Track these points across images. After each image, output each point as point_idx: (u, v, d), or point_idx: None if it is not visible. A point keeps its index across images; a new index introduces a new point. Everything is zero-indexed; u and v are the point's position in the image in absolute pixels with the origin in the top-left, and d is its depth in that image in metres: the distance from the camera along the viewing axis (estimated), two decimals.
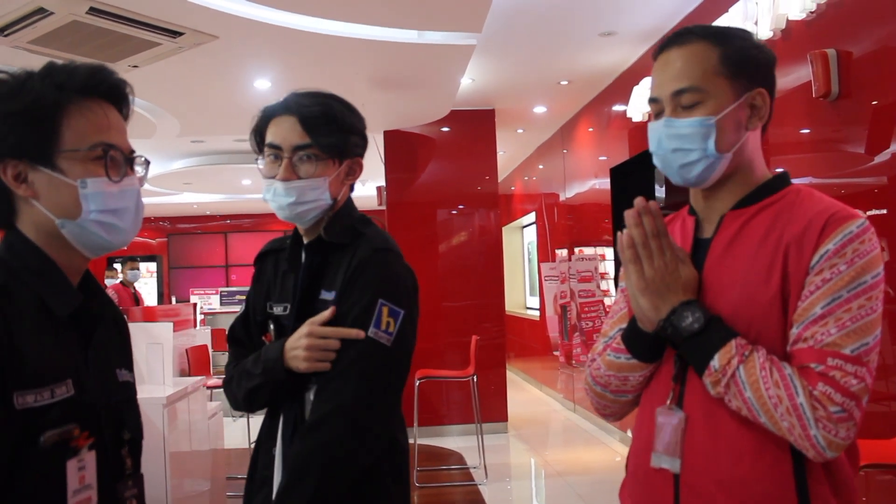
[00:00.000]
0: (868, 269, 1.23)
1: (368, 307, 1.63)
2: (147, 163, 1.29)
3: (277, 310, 1.76)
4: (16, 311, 1.09)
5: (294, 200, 1.67)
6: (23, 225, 1.20)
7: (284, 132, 1.68)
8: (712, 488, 1.28)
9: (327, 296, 1.69)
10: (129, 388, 1.27)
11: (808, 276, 1.25)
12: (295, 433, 1.65)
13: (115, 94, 1.24)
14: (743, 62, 1.35)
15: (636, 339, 1.40)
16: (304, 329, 1.64)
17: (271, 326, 1.76)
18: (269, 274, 1.82)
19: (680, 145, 1.35)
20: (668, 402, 1.35)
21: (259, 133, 1.75)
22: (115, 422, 1.21)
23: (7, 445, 1.04)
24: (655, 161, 1.42)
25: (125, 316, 1.38)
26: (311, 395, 1.66)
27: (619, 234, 1.34)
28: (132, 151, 1.25)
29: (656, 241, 1.31)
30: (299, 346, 1.62)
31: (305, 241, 1.78)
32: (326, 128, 1.68)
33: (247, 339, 1.83)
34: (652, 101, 1.41)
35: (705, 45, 1.36)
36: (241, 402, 1.74)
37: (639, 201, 1.31)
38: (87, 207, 1.17)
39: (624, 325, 1.49)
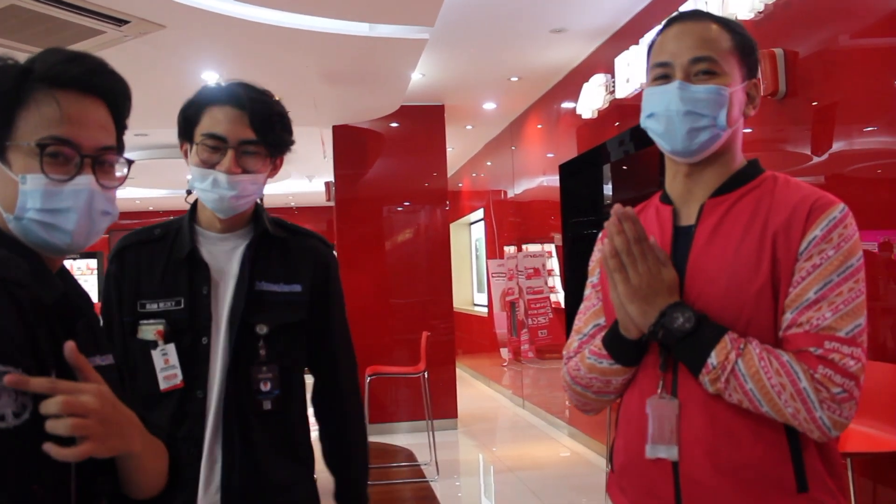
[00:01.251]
0: (853, 253, 1.28)
1: (343, 299, 1.86)
2: (128, 162, 1.20)
3: (164, 305, 1.67)
4: (20, 300, 1.04)
5: (237, 194, 1.66)
6: None
7: (231, 125, 1.65)
8: (712, 474, 1.29)
9: (271, 287, 1.70)
10: (105, 372, 1.16)
11: (797, 263, 1.28)
12: (250, 418, 1.64)
13: (91, 84, 1.14)
14: (749, 52, 1.41)
15: (619, 346, 1.40)
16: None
17: (160, 325, 1.65)
18: (138, 269, 1.72)
19: (694, 109, 1.36)
20: (660, 391, 1.35)
21: (193, 117, 1.69)
22: None
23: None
24: (654, 124, 1.41)
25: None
26: (259, 376, 1.64)
27: (597, 246, 1.34)
28: (104, 149, 1.15)
29: (638, 247, 1.31)
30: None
31: (220, 232, 1.74)
32: (273, 127, 1.70)
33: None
34: (660, 65, 1.40)
35: (719, 27, 1.40)
36: None
37: (617, 208, 1.31)
38: (24, 205, 1.10)
39: (598, 321, 1.49)
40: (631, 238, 1.31)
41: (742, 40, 1.40)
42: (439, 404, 7.23)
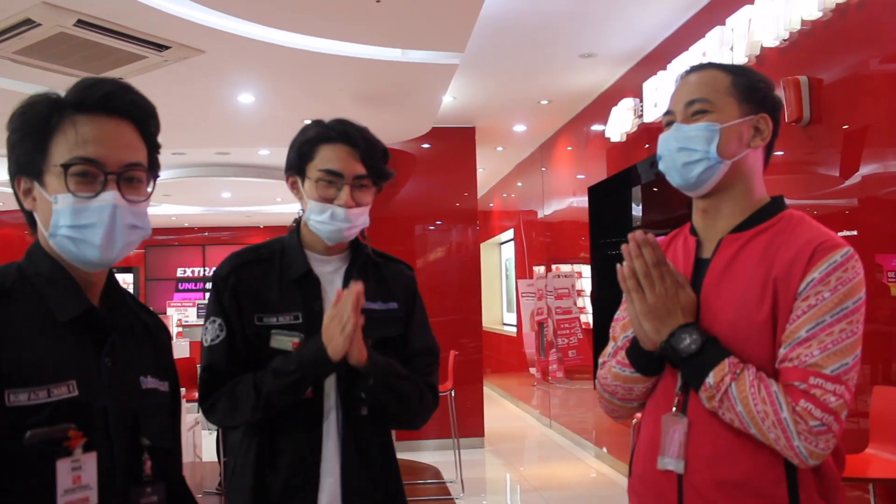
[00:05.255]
0: (850, 296, 1.36)
1: (426, 312, 2.00)
2: (154, 177, 1.30)
3: (283, 320, 1.79)
4: (14, 314, 1.15)
5: (352, 225, 1.81)
6: (39, 235, 1.26)
7: (345, 161, 1.80)
8: (711, 488, 1.40)
9: (370, 305, 1.80)
10: (154, 396, 1.29)
11: (795, 302, 1.37)
12: (356, 422, 1.78)
13: (111, 106, 1.23)
14: (751, 90, 1.51)
15: (639, 356, 1.51)
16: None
17: (296, 337, 1.77)
18: (254, 286, 1.83)
19: (685, 145, 1.49)
20: (674, 409, 1.47)
21: (308, 154, 1.83)
22: (129, 427, 1.22)
23: None
24: (661, 164, 1.55)
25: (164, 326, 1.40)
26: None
27: (618, 266, 1.45)
28: (130, 165, 1.23)
29: (657, 270, 1.42)
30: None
31: (323, 254, 1.87)
32: (379, 161, 1.86)
33: (230, 374, 1.80)
34: (667, 113, 1.56)
35: (720, 72, 1.53)
36: (256, 408, 1.73)
37: (638, 234, 1.42)
38: (55, 222, 1.20)
39: (629, 333, 1.59)
40: (650, 262, 1.42)
41: (745, 80, 1.51)
42: (466, 423, 7.27)
